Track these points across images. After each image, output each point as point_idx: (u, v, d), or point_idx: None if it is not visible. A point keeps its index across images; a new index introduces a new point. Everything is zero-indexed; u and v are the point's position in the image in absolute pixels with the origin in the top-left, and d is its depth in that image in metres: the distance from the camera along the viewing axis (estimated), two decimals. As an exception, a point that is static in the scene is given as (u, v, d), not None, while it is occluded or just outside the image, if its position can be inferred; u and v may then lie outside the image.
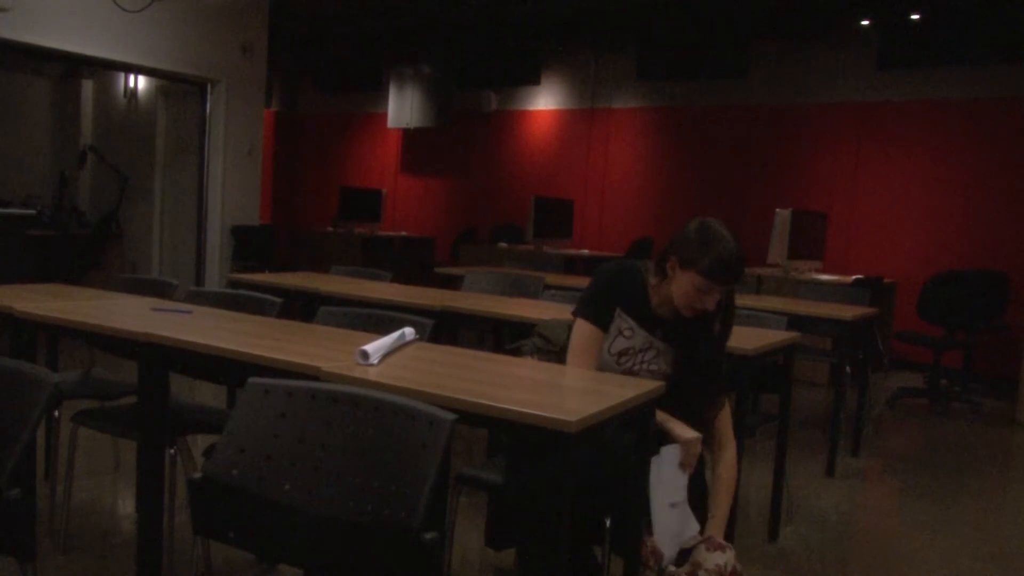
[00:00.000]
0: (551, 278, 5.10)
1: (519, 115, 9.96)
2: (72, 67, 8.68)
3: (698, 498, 2.35)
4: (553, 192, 9.10)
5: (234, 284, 4.07)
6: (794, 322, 3.59)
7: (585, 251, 8.20)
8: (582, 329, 2.35)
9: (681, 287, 2.27)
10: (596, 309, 2.36)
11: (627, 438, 2.13)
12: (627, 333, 2.35)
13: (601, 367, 2.36)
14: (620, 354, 2.37)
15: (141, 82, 8.57)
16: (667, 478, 2.21)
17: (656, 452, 2.19)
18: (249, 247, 7.84)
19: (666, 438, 2.25)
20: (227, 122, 7.61)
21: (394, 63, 10.26)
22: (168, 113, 8.41)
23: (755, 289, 6.18)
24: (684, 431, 2.25)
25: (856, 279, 6.44)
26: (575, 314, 2.38)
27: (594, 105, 9.40)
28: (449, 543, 2.50)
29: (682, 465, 2.23)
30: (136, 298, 3.16)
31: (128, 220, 8.55)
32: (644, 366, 2.36)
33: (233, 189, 7.74)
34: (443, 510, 2.16)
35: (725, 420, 2.43)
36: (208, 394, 4.49)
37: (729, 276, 2.25)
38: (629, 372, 2.37)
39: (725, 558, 2.17)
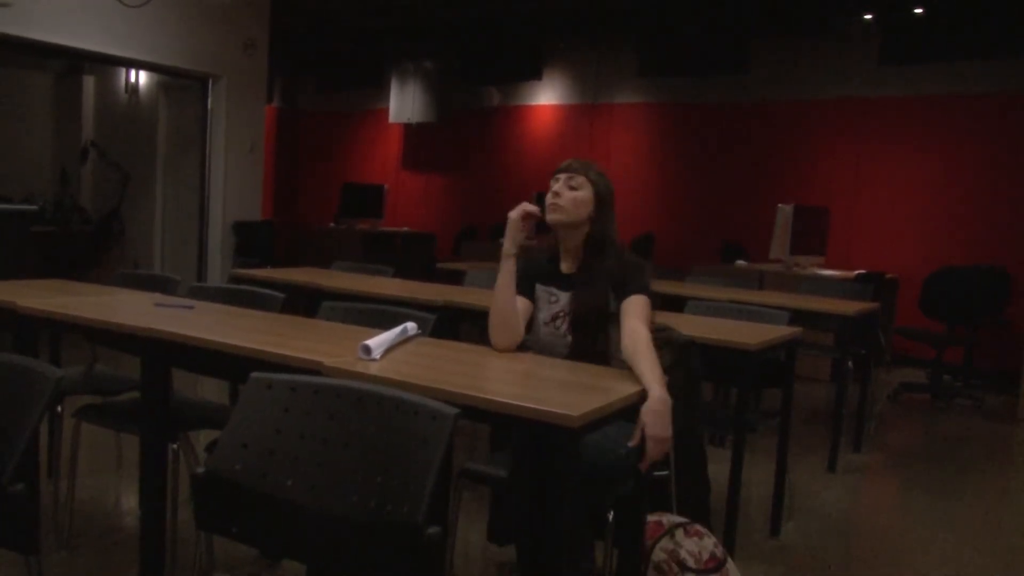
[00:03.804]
0: (553, 274, 5.08)
1: (521, 110, 9.95)
2: (73, 63, 8.67)
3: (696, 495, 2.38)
4: (555, 188, 9.08)
5: (236, 280, 4.07)
6: (796, 317, 3.59)
7: (587, 247, 8.17)
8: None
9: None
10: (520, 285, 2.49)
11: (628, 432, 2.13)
12: (552, 299, 2.45)
13: (537, 342, 2.47)
14: (552, 319, 2.45)
15: (142, 78, 8.57)
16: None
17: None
18: (251, 243, 7.84)
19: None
20: (228, 118, 7.61)
21: (396, 59, 10.24)
22: (169, 109, 8.41)
23: (757, 284, 6.17)
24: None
25: (858, 274, 6.43)
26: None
27: (596, 101, 9.38)
28: (452, 539, 2.50)
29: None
30: (138, 294, 3.16)
31: (130, 216, 8.55)
32: (565, 321, 2.43)
33: (235, 185, 7.73)
34: (445, 505, 2.17)
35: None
36: (211, 390, 4.49)
37: (563, 165, 2.45)
38: (555, 333, 2.43)
39: (701, 544, 2.20)
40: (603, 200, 2.43)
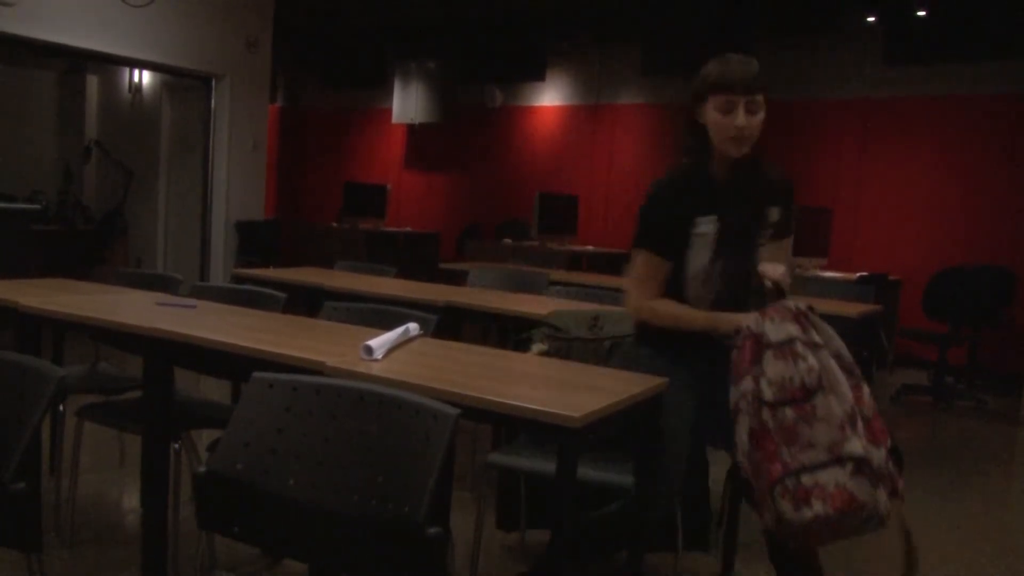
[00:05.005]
0: (555, 274, 5.09)
1: (524, 111, 9.94)
2: (77, 62, 8.68)
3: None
4: (558, 188, 9.08)
5: (238, 279, 4.07)
6: (798, 319, 3.57)
7: (590, 247, 8.19)
8: (646, 260, 2.24)
9: (713, 123, 2.13)
10: (659, 237, 2.22)
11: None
12: (708, 227, 2.20)
13: (692, 295, 2.23)
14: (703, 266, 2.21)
15: (146, 77, 8.58)
16: None
17: None
18: (253, 242, 7.84)
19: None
20: (232, 117, 7.61)
21: (399, 58, 10.24)
22: (173, 108, 8.42)
23: (759, 286, 6.16)
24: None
25: (861, 276, 6.42)
26: (635, 246, 2.26)
27: (599, 101, 9.38)
28: (479, 531, 2.51)
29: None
30: (141, 293, 3.16)
31: (133, 215, 8.57)
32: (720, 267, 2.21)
33: (237, 184, 7.74)
34: (447, 505, 2.17)
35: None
36: (213, 389, 4.50)
37: (739, 76, 2.10)
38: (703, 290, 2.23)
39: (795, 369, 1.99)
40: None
